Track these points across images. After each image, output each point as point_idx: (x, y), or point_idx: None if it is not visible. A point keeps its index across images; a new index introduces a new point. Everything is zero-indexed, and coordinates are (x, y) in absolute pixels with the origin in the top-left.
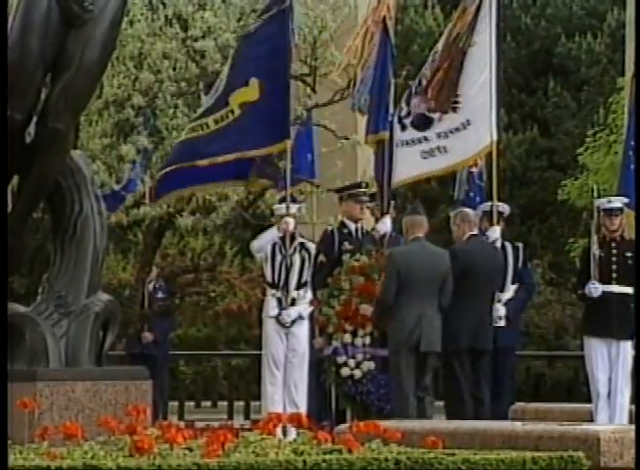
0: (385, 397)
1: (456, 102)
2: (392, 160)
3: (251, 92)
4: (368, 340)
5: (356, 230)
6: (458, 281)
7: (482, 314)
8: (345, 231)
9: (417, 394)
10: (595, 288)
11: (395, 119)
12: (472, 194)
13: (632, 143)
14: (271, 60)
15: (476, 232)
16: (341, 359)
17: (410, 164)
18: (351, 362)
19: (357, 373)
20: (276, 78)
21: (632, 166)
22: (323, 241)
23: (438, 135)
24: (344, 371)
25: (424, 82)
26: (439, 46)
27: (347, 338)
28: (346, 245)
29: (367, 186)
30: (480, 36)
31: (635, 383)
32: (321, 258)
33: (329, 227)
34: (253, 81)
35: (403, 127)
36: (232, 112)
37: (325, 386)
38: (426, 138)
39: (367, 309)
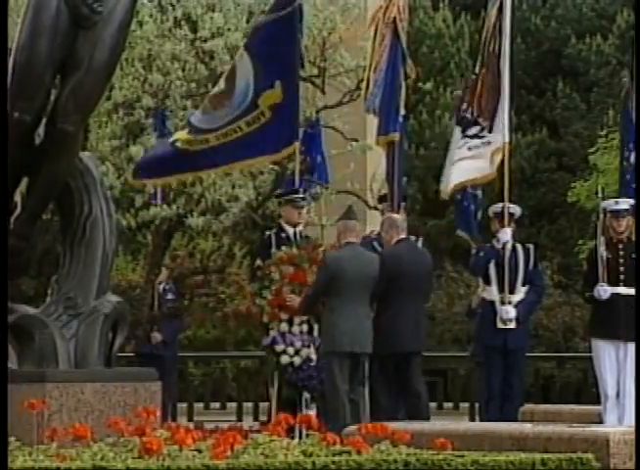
0: None
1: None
2: (402, 161)
3: (276, 94)
4: (305, 327)
5: (294, 234)
6: (387, 284)
7: (413, 317)
8: (283, 235)
9: (351, 397)
10: (604, 290)
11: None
12: (465, 203)
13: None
14: (284, 61)
15: (403, 236)
16: (279, 348)
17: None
18: (290, 350)
19: (297, 360)
20: (288, 80)
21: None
22: (261, 245)
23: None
24: (284, 359)
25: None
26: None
27: (284, 327)
28: (284, 249)
29: (304, 192)
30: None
31: (635, 383)
32: (258, 262)
33: (267, 232)
34: (278, 83)
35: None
36: (263, 114)
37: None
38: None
39: (294, 300)
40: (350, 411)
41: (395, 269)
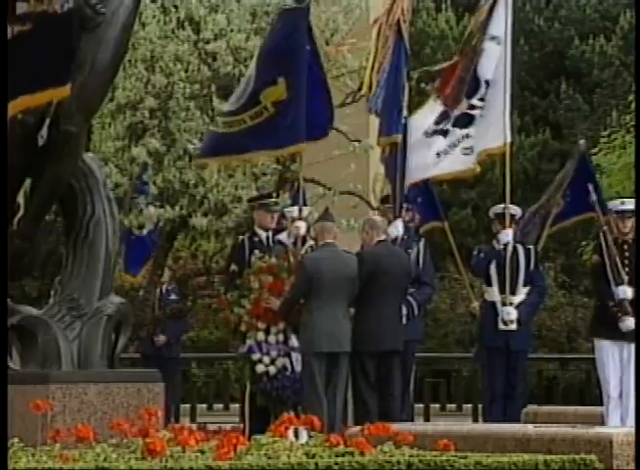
0: (301, 390)
1: (481, 99)
2: (405, 163)
3: (280, 91)
4: (281, 337)
5: (267, 238)
6: (366, 284)
7: (391, 316)
8: (256, 239)
9: (329, 397)
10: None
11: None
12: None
13: None
14: (292, 59)
15: (383, 238)
16: (255, 357)
17: (455, 161)
18: (266, 359)
19: (272, 369)
20: (296, 78)
21: None
22: (234, 250)
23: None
24: (259, 368)
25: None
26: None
27: (261, 336)
28: (257, 253)
29: (278, 196)
30: (498, 37)
31: (635, 383)
32: (232, 267)
33: (240, 237)
34: (281, 80)
35: (445, 133)
36: (266, 109)
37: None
38: (467, 135)
39: (274, 303)
40: (329, 411)
41: (375, 269)
